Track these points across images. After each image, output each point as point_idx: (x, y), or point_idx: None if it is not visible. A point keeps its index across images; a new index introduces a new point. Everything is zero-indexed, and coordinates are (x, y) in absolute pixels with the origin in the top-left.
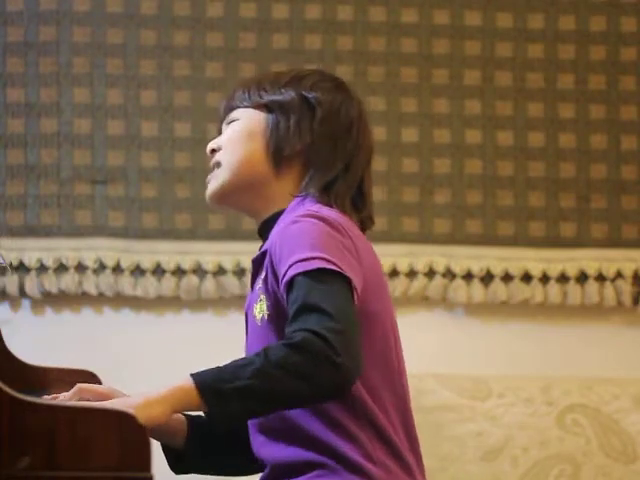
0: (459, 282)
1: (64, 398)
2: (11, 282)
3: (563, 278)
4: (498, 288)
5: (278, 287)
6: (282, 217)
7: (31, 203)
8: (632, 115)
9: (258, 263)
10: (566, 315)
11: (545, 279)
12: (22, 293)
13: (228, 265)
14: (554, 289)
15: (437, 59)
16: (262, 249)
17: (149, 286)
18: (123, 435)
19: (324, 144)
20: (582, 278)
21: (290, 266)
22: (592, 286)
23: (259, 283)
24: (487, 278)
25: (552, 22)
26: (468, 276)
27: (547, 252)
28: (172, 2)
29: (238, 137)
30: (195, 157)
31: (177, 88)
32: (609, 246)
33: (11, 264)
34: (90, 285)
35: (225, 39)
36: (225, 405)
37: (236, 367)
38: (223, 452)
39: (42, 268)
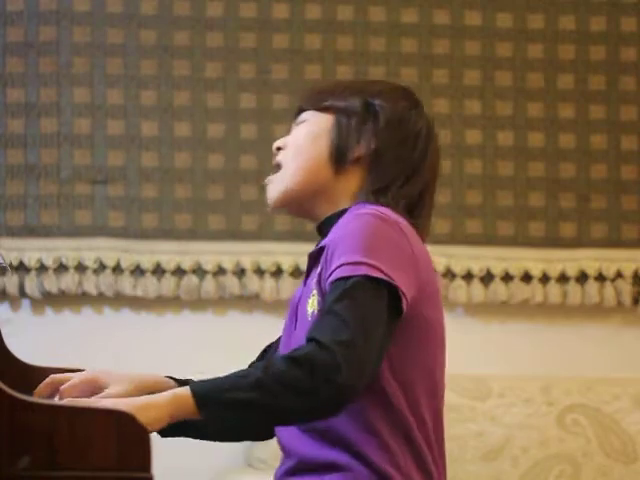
0: (459, 282)
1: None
2: (11, 282)
3: (563, 278)
4: (498, 288)
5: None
6: (344, 216)
7: (31, 203)
8: (632, 115)
9: (314, 258)
10: (566, 315)
11: (545, 279)
12: (22, 293)
13: (228, 265)
14: (554, 289)
15: (437, 59)
16: (320, 244)
17: (149, 286)
18: (123, 435)
19: (387, 150)
20: (582, 278)
21: (338, 267)
22: (592, 286)
23: (314, 277)
24: (487, 278)
25: (552, 22)
26: (468, 276)
27: (547, 252)
28: (172, 2)
29: (303, 139)
30: (195, 157)
31: (177, 88)
32: (609, 246)
33: (11, 264)
34: (90, 285)
35: (225, 39)
36: (220, 414)
37: (235, 378)
38: None
39: (42, 268)
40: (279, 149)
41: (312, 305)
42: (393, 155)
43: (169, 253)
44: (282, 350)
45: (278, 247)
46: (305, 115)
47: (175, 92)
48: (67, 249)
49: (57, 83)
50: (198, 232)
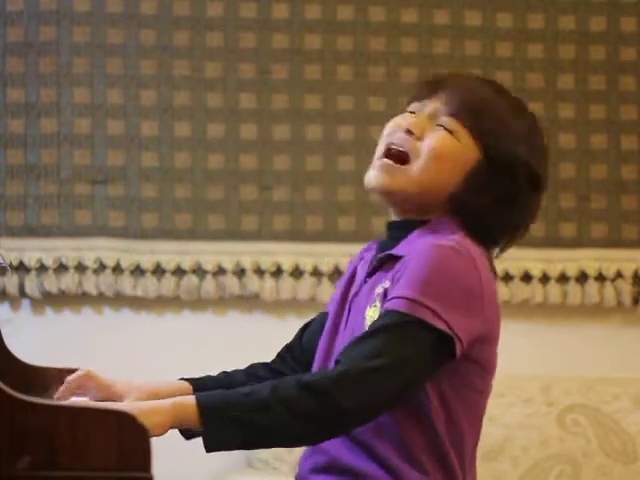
0: None
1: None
2: (11, 282)
3: (563, 278)
4: (498, 288)
5: None
6: (424, 230)
7: (31, 203)
8: (632, 115)
9: (383, 262)
10: (566, 315)
11: (545, 279)
12: (22, 293)
13: (228, 265)
14: (554, 289)
15: (437, 59)
16: (391, 251)
17: (149, 286)
18: (123, 435)
19: (514, 227)
20: (582, 278)
21: (397, 298)
22: (592, 286)
23: (379, 289)
24: None
25: (552, 22)
26: None
27: (547, 252)
28: (172, 2)
29: (443, 156)
30: (195, 157)
31: (177, 88)
32: (609, 246)
33: (11, 264)
34: (90, 285)
35: (225, 39)
36: (221, 430)
37: (242, 394)
38: None
39: (42, 268)
40: (410, 133)
41: (372, 316)
42: (507, 221)
43: (169, 253)
44: (322, 342)
45: (278, 247)
46: (453, 124)
47: (175, 92)
48: (67, 249)
49: (57, 83)
50: (198, 232)
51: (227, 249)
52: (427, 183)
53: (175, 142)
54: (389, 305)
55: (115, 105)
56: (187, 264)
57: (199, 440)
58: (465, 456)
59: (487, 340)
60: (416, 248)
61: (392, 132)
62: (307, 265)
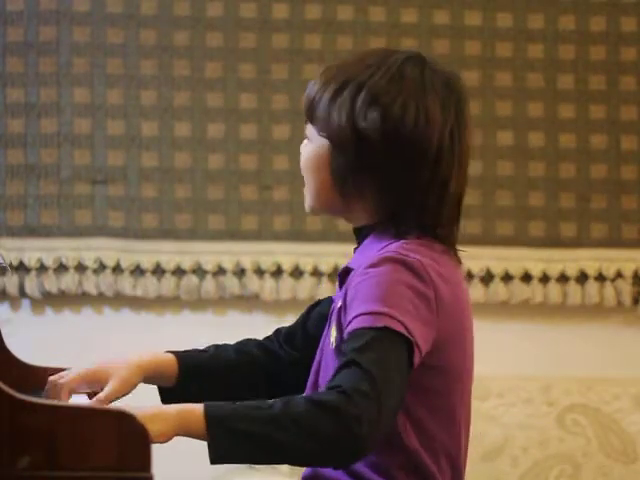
0: None
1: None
2: (11, 282)
3: (563, 278)
4: (498, 288)
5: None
6: (369, 239)
7: (31, 203)
8: (632, 115)
9: (342, 277)
10: (566, 315)
11: (545, 279)
12: (22, 293)
13: (228, 265)
14: (554, 289)
15: (437, 59)
16: (350, 264)
17: (149, 286)
18: (123, 435)
19: (391, 173)
20: (582, 278)
21: (357, 316)
22: (592, 286)
23: (337, 304)
24: (487, 278)
25: (552, 22)
26: (468, 276)
27: (547, 252)
28: (172, 2)
29: (308, 167)
30: (195, 157)
31: (177, 88)
32: (609, 246)
33: (11, 264)
34: (90, 285)
35: (225, 39)
36: (229, 444)
37: (252, 408)
38: (217, 390)
39: (42, 268)
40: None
41: (333, 335)
42: (398, 176)
43: (169, 253)
44: (319, 350)
45: (278, 247)
46: (308, 130)
47: (175, 92)
48: (67, 249)
49: (57, 83)
50: (198, 232)
51: (227, 249)
52: (312, 192)
53: (175, 142)
54: (353, 327)
55: (115, 105)
56: (187, 264)
57: (199, 441)
58: (442, 463)
59: (445, 345)
60: (359, 273)
61: None
62: (307, 265)
